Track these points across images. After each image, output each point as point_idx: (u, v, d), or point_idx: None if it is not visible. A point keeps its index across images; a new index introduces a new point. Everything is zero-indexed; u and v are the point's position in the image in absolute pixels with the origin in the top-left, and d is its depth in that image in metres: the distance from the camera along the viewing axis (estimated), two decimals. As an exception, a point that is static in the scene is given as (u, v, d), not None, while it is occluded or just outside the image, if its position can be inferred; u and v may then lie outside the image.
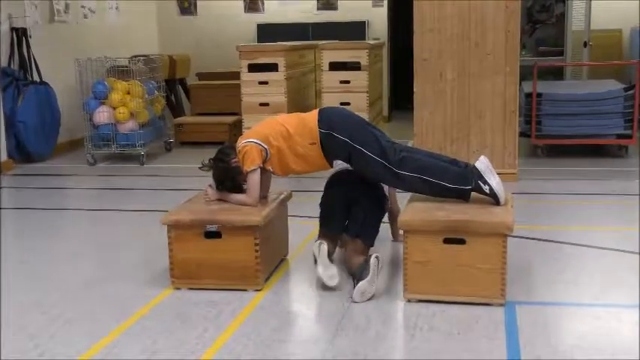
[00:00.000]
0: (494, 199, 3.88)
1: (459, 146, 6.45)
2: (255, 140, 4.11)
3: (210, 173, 4.30)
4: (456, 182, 3.91)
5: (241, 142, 4.16)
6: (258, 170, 4.09)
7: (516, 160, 6.51)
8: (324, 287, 3.97)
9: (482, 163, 3.91)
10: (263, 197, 4.22)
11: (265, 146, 4.09)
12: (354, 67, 8.20)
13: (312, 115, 4.16)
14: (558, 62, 9.85)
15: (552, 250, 4.62)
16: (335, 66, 8.16)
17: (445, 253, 3.67)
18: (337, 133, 4.03)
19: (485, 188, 3.87)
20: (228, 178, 4.20)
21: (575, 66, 9.81)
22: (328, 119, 4.10)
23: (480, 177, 3.88)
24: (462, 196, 3.93)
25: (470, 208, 3.82)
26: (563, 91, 7.97)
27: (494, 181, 3.87)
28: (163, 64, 9.46)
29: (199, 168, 4.32)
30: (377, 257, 3.84)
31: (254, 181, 4.09)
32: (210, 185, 4.32)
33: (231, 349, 3.29)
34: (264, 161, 4.12)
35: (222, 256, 3.97)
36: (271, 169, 4.20)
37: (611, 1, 10.42)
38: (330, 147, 4.06)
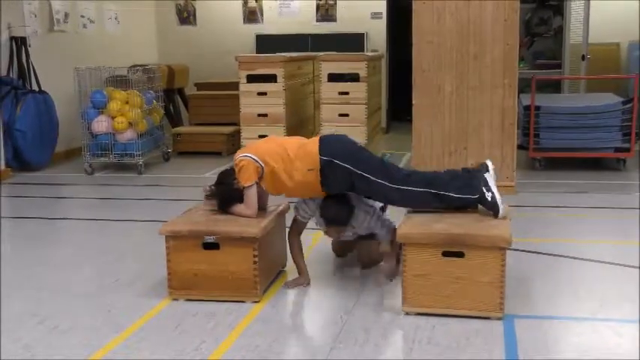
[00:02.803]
0: (493, 209, 3.88)
1: (457, 158, 6.45)
2: (252, 156, 4.09)
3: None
4: (463, 192, 3.94)
5: (239, 155, 4.16)
6: (255, 185, 4.09)
7: (514, 173, 6.51)
8: (321, 299, 3.95)
9: (489, 171, 3.98)
10: (261, 209, 4.21)
11: (262, 164, 4.07)
12: (353, 78, 8.20)
13: (313, 142, 4.10)
14: (556, 75, 9.88)
15: (551, 264, 4.61)
16: (334, 77, 8.16)
17: (444, 266, 3.66)
18: (339, 160, 3.99)
19: (488, 195, 3.89)
20: (234, 199, 4.14)
21: (573, 79, 9.83)
22: (329, 147, 4.06)
23: (486, 183, 3.92)
24: (469, 206, 3.97)
25: (468, 222, 3.82)
26: (561, 104, 7.99)
27: (495, 190, 3.91)
28: (162, 73, 9.46)
29: (206, 196, 4.29)
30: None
31: (251, 194, 4.08)
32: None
33: (228, 361, 3.28)
34: (260, 178, 4.11)
35: (221, 268, 3.96)
36: (264, 187, 4.18)
37: (610, 14, 10.45)
38: (330, 175, 4.01)
